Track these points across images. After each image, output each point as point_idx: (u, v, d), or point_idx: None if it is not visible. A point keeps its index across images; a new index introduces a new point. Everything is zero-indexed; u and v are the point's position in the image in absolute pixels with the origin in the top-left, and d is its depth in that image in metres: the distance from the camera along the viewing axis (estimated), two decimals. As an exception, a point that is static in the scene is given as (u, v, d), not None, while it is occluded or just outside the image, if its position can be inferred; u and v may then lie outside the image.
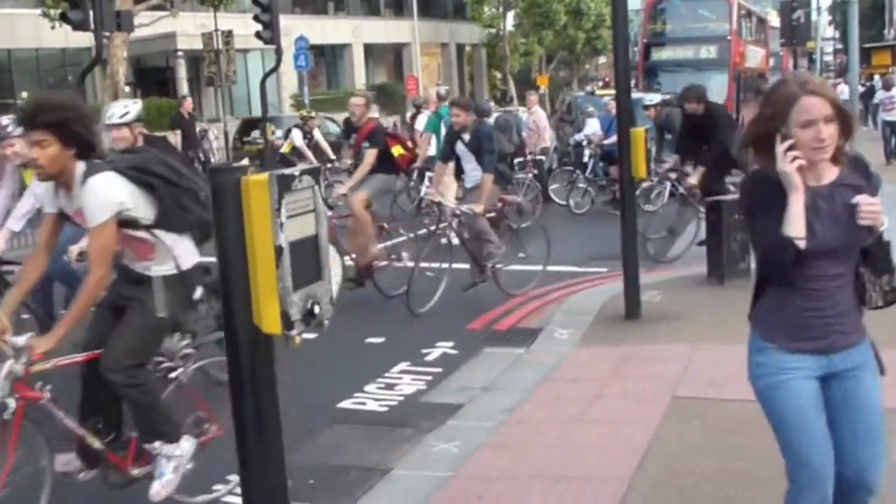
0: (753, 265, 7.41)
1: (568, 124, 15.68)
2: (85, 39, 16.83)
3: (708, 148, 7.97)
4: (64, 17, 11.49)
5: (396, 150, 7.32)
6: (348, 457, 4.01)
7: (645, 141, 6.38)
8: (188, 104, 14.73)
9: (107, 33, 12.48)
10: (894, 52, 32.69)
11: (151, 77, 31.27)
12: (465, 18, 44.79)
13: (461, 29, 44.82)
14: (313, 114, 12.41)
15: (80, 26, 11.15)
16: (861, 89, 22.99)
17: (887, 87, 16.80)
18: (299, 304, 2.15)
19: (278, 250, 2.09)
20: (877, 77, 28.53)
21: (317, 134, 11.86)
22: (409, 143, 7.64)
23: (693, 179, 8.04)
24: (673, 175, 8.72)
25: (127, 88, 19.56)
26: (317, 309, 2.20)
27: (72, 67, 27.60)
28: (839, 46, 72.16)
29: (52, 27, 16.77)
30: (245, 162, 11.88)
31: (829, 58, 66.36)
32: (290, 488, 2.32)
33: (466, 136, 6.86)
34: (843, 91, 28.22)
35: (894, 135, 16.13)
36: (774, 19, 29.16)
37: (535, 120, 13.46)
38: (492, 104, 17.91)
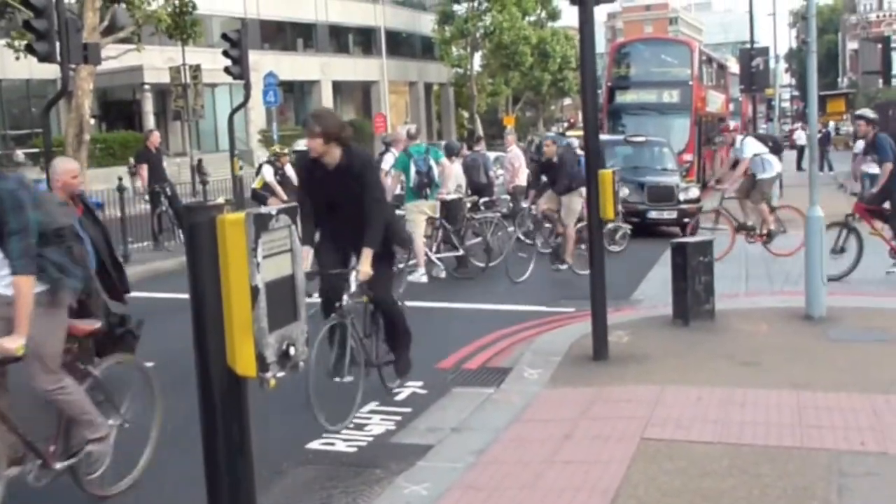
0: (718, 306, 7.48)
1: (537, 164, 15.83)
2: (49, 71, 16.67)
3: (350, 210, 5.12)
4: (30, 49, 11.32)
5: None
6: (317, 499, 3.94)
7: (613, 182, 6.48)
8: (155, 138, 14.55)
9: (73, 65, 12.35)
10: (848, 100, 33.83)
11: (117, 110, 31.08)
12: (433, 58, 45.42)
13: (429, 68, 45.39)
14: (286, 150, 12.36)
15: (46, 58, 11.00)
16: (818, 136, 23.34)
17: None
18: (275, 346, 2.12)
19: (254, 291, 2.07)
20: (832, 124, 29.40)
21: (288, 170, 11.81)
22: None
23: (364, 273, 5.01)
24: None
25: (92, 121, 19.36)
26: (292, 350, 2.18)
27: (36, 99, 27.31)
28: (796, 93, 74.65)
29: (17, 58, 16.57)
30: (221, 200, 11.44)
31: (786, 104, 68.77)
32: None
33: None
34: (801, 136, 29.09)
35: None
36: (734, 66, 30.06)
37: (511, 159, 13.67)
38: (463, 144, 18.02)
